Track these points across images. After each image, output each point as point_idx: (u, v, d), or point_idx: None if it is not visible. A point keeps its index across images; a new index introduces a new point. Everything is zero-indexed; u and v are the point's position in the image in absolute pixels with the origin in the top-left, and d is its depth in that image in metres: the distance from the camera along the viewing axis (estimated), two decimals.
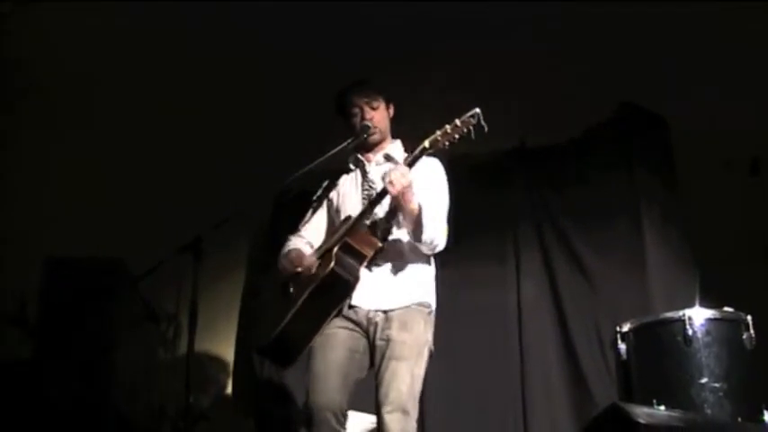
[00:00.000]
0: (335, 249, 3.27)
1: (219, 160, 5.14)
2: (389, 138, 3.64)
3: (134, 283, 3.94)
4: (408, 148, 3.56)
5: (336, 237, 3.35)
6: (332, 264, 3.22)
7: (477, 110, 3.12)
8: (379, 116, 3.57)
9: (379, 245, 3.31)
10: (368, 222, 3.35)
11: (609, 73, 4.86)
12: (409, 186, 3.17)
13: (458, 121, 3.13)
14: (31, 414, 3.57)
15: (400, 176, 3.15)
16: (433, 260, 3.51)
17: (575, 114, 5.01)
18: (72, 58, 4.79)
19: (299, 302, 3.26)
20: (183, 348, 4.01)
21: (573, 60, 4.83)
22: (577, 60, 4.83)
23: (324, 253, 3.38)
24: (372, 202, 3.32)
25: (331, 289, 3.26)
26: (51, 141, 5.05)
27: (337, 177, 3.69)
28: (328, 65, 4.81)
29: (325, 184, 3.70)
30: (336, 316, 3.34)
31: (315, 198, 3.71)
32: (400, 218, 3.35)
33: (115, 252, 3.92)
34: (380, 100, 3.58)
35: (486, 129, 3.10)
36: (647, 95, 4.89)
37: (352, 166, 3.65)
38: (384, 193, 3.24)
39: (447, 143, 3.15)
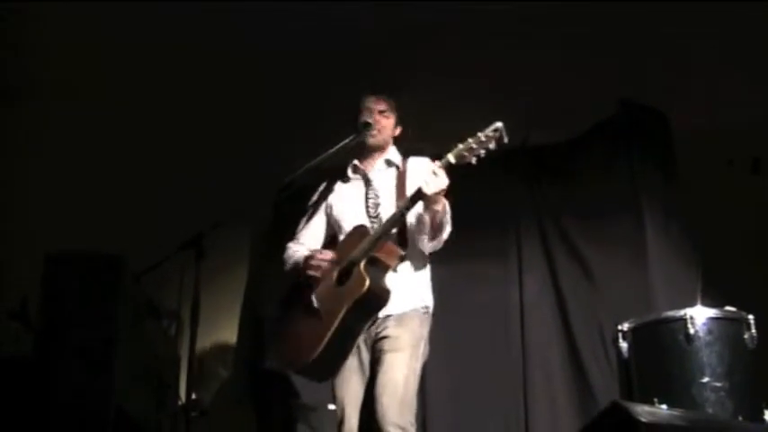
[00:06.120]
0: (363, 264, 3.28)
1: (221, 157, 5.14)
2: (388, 148, 3.69)
3: (136, 280, 3.94)
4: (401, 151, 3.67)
5: (361, 250, 3.32)
6: (367, 282, 3.22)
7: (500, 123, 3.10)
8: (386, 124, 3.64)
9: (402, 253, 3.35)
10: (394, 232, 3.35)
11: (611, 71, 4.85)
12: (444, 189, 3.19)
13: (481, 136, 3.11)
14: (32, 410, 3.56)
15: (439, 180, 3.16)
16: (428, 262, 3.54)
17: (576, 112, 5.01)
18: (73, 56, 4.78)
19: (338, 320, 3.25)
20: (184, 345, 4.01)
21: (575, 58, 4.82)
22: (579, 58, 4.82)
23: (348, 265, 3.35)
24: (403, 212, 3.30)
25: (367, 304, 3.28)
26: (53, 137, 5.04)
27: (333, 183, 3.72)
28: (329, 61, 4.82)
29: (322, 188, 3.73)
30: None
31: (310, 204, 3.73)
32: (420, 220, 3.36)
33: (117, 248, 3.90)
34: (392, 115, 3.66)
35: (506, 141, 3.08)
36: (650, 94, 4.89)
37: (351, 174, 3.68)
38: (417, 197, 3.23)
39: (474, 159, 3.12)
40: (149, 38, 4.67)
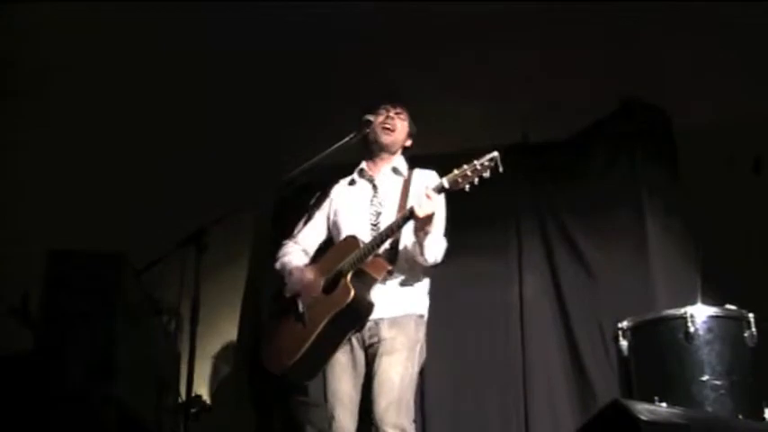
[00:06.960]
0: (350, 276, 3.35)
1: (222, 153, 5.14)
2: (396, 155, 3.73)
3: (136, 276, 3.94)
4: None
5: (349, 261, 3.39)
6: (351, 294, 3.30)
7: (496, 153, 3.16)
8: (401, 127, 3.68)
9: (390, 268, 3.42)
10: (381, 251, 3.41)
11: (612, 68, 4.85)
12: (433, 214, 3.26)
13: (477, 164, 3.16)
14: (32, 408, 3.56)
15: (431, 203, 3.22)
16: (426, 271, 3.58)
17: (577, 110, 5.00)
18: (73, 53, 4.79)
19: (320, 328, 3.35)
20: (185, 341, 4.01)
21: (575, 56, 4.82)
22: (580, 55, 4.82)
23: (335, 275, 3.42)
24: (394, 229, 3.37)
25: (350, 315, 3.36)
26: (53, 135, 5.04)
27: (339, 186, 3.76)
28: (331, 59, 4.82)
29: (327, 190, 3.77)
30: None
31: (312, 204, 3.77)
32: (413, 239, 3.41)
33: (117, 245, 3.91)
34: (407, 122, 3.71)
35: (501, 170, 3.14)
36: (651, 91, 4.89)
37: (357, 177, 3.68)
38: (408, 218, 3.30)
39: (467, 185, 3.18)
40: (149, 34, 4.67)
